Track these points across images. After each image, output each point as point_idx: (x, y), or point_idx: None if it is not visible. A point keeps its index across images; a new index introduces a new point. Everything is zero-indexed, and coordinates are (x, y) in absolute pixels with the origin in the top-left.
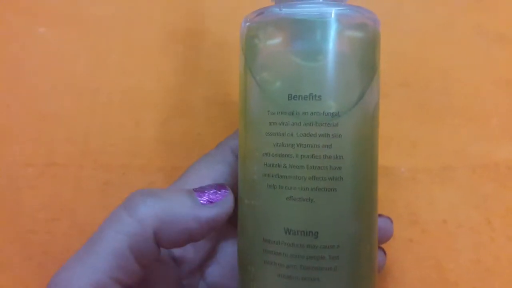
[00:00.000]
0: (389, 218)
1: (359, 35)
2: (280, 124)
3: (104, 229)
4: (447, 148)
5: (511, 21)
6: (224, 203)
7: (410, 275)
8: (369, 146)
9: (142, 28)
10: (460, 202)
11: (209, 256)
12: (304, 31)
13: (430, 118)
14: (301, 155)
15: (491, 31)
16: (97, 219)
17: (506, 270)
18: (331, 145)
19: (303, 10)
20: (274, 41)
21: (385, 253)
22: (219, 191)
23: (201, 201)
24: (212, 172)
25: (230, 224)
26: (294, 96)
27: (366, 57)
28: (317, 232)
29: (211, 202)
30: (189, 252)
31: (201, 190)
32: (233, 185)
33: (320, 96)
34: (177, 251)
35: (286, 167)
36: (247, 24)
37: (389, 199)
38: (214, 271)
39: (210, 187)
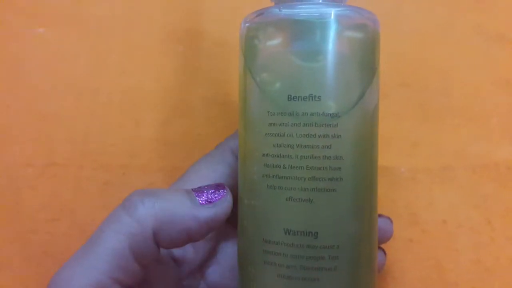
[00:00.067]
0: (389, 218)
1: (359, 35)
2: (279, 125)
3: (103, 229)
4: (447, 148)
5: (511, 21)
6: (222, 203)
7: (410, 275)
8: (368, 147)
9: (142, 28)
10: (460, 202)
11: (209, 256)
12: (304, 31)
13: (430, 118)
14: (300, 156)
15: (491, 31)
16: (97, 219)
17: (506, 270)
18: (330, 145)
19: (302, 11)
20: (274, 42)
21: (385, 253)
22: (218, 191)
23: (200, 201)
24: (212, 172)
25: (230, 225)
26: (293, 97)
27: (365, 58)
28: (317, 233)
29: (209, 202)
30: (189, 253)
31: (199, 190)
32: (233, 185)
33: (320, 96)
34: (177, 252)
35: (285, 167)
36: (247, 24)
37: (389, 199)
38: (214, 272)
39: (208, 187)
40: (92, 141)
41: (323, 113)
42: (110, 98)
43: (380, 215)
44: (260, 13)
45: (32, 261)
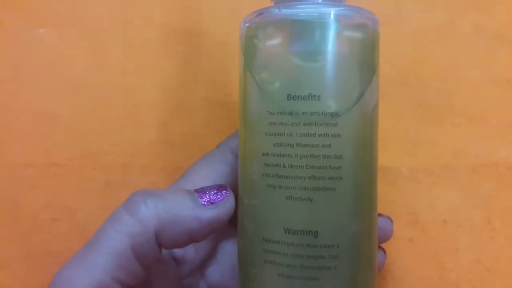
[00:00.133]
0: (389, 218)
1: (358, 35)
2: (279, 124)
3: (105, 229)
4: (447, 148)
5: (511, 21)
6: (225, 204)
7: (410, 274)
8: (368, 146)
9: (142, 28)
10: (460, 202)
11: (210, 256)
12: (304, 31)
13: (430, 118)
14: (300, 155)
15: (491, 31)
16: (97, 219)
17: (506, 270)
18: (330, 144)
19: (302, 11)
20: (274, 42)
21: (385, 252)
22: (220, 192)
23: (202, 202)
24: (212, 172)
25: (230, 224)
26: (293, 96)
27: (365, 57)
28: (317, 232)
29: (212, 203)
30: (189, 252)
31: (202, 191)
32: (233, 185)
33: (320, 96)
34: (177, 251)
35: (285, 167)
36: (247, 24)
37: (389, 199)
38: (214, 271)
39: (211, 188)
40: (92, 141)
41: (322, 112)
42: (110, 98)
43: (380, 215)
44: (260, 13)
45: (32, 261)
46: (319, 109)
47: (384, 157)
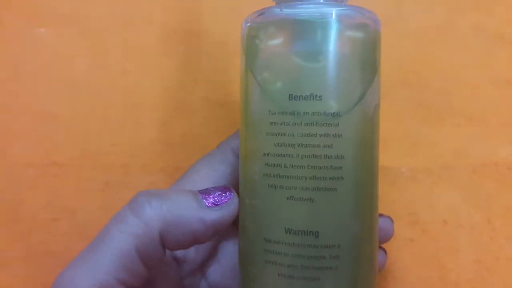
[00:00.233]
0: (389, 218)
1: (360, 35)
2: (280, 124)
3: (109, 230)
4: (447, 148)
5: (511, 21)
6: (229, 206)
7: (410, 274)
8: (369, 146)
9: (142, 28)
10: (460, 202)
11: (210, 255)
12: (305, 31)
13: (430, 118)
14: (301, 155)
15: (491, 31)
16: (97, 219)
17: (507, 270)
18: (331, 145)
19: (304, 11)
20: (275, 42)
21: (385, 252)
22: (225, 193)
23: (206, 204)
24: (213, 172)
25: (232, 224)
26: (295, 96)
27: (366, 57)
28: (318, 232)
29: (216, 204)
30: (190, 252)
31: (206, 192)
32: (234, 185)
33: (321, 96)
34: (178, 251)
35: (286, 167)
36: (248, 24)
37: (389, 199)
38: (215, 271)
39: (215, 189)
40: (92, 141)
41: (324, 112)
42: (110, 98)
43: (380, 215)
44: (261, 12)
45: (32, 261)
46: (320, 109)
47: (384, 157)
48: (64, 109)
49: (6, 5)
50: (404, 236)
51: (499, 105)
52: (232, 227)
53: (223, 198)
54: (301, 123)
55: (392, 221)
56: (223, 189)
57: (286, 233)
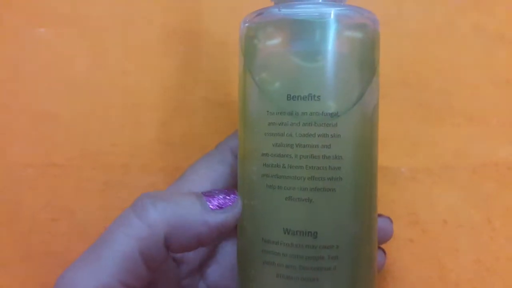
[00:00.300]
0: (389, 218)
1: (359, 35)
2: (279, 124)
3: (113, 232)
4: (447, 148)
5: (511, 21)
6: (233, 209)
7: (410, 275)
8: (368, 146)
9: (142, 28)
10: (460, 202)
11: (209, 256)
12: (303, 31)
13: (430, 118)
14: (300, 155)
15: (491, 31)
16: (97, 219)
17: (506, 270)
18: (330, 145)
19: (302, 11)
20: (273, 42)
21: (385, 253)
22: (229, 196)
23: (211, 206)
24: (211, 172)
25: None
26: (293, 97)
27: (365, 57)
28: (316, 232)
29: (220, 207)
30: (189, 253)
31: (210, 195)
32: (232, 185)
33: (319, 96)
34: None
35: (285, 167)
36: (246, 24)
37: (389, 199)
38: (214, 271)
39: (219, 192)
40: (92, 141)
41: (322, 112)
42: (110, 98)
43: (380, 215)
44: (260, 13)
45: (32, 261)
46: (318, 109)
47: (384, 157)
48: (64, 109)
49: (6, 5)
50: (404, 236)
51: (499, 105)
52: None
53: (227, 200)
54: (299, 123)
55: (391, 221)
56: (227, 191)
57: (285, 233)
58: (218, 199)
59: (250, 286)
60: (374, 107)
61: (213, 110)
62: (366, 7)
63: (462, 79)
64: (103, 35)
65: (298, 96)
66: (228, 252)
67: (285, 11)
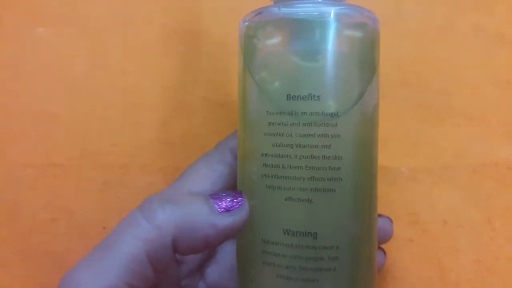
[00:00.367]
0: (388, 218)
1: (359, 34)
2: (279, 124)
3: (120, 233)
4: (447, 148)
5: (511, 21)
6: (241, 212)
7: (410, 275)
8: (368, 146)
9: (142, 28)
10: (460, 202)
11: (209, 256)
12: (303, 30)
13: (430, 118)
14: (300, 156)
15: (491, 31)
16: (96, 219)
17: (506, 270)
18: (330, 145)
19: (302, 10)
20: (273, 41)
21: (385, 253)
22: (236, 199)
23: (218, 209)
24: (211, 172)
25: None
26: (293, 96)
27: (365, 57)
28: (316, 233)
29: (228, 210)
30: None
31: (218, 198)
32: (232, 185)
33: (319, 96)
34: None
35: (285, 167)
36: (246, 23)
37: (389, 199)
38: (213, 271)
39: (227, 195)
40: (92, 141)
41: (322, 112)
42: (110, 98)
43: (380, 215)
44: (259, 12)
45: (32, 261)
46: (318, 109)
47: (384, 157)
48: (64, 109)
49: (6, 5)
50: (404, 236)
51: (499, 105)
52: None
53: (234, 203)
54: (299, 123)
55: (391, 221)
56: (235, 194)
57: (285, 234)
58: (226, 202)
59: (250, 287)
60: (374, 106)
61: (213, 110)
62: (366, 7)
63: (462, 79)
64: (103, 35)
65: (298, 96)
66: (227, 252)
67: (284, 10)
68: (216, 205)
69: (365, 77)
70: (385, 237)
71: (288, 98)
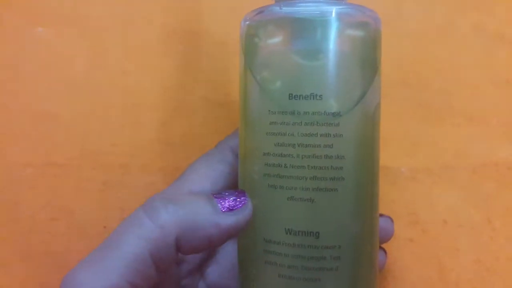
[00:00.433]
0: (389, 218)
1: (360, 33)
2: (280, 124)
3: (123, 232)
4: (447, 148)
5: (511, 21)
6: (244, 211)
7: (410, 274)
8: (370, 146)
9: (142, 28)
10: (460, 202)
11: (209, 256)
12: (305, 30)
13: (430, 118)
14: (302, 155)
15: (491, 31)
16: (96, 219)
17: (506, 270)
18: (332, 145)
19: (303, 9)
20: (274, 40)
21: (385, 252)
22: (239, 198)
23: (222, 209)
24: (211, 171)
25: None
26: (295, 96)
27: (367, 56)
28: (318, 233)
29: (231, 209)
30: None
31: (221, 197)
32: (232, 184)
33: (321, 95)
34: None
35: (286, 167)
36: (247, 23)
37: (389, 199)
38: (213, 271)
39: (230, 194)
40: (92, 141)
41: (324, 112)
42: (110, 98)
43: (381, 215)
44: (261, 11)
45: (32, 261)
46: (321, 109)
47: (384, 157)
48: (64, 109)
49: (6, 5)
50: (404, 236)
51: (499, 105)
52: None
53: (237, 203)
54: (301, 122)
55: (392, 221)
56: (238, 193)
57: (286, 233)
58: (229, 201)
59: (251, 286)
60: (376, 106)
61: (213, 110)
62: (366, 6)
63: (462, 79)
64: (103, 35)
65: (300, 95)
66: (228, 252)
67: (286, 9)
68: (219, 205)
69: (367, 77)
70: (386, 237)
71: (290, 98)
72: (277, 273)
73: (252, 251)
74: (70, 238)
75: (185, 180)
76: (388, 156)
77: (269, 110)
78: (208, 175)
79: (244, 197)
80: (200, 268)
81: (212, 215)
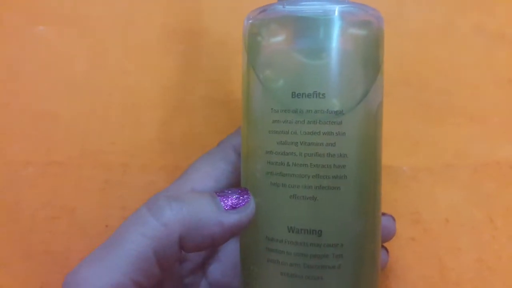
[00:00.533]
0: (391, 216)
1: (363, 32)
2: (283, 122)
3: (127, 230)
4: (448, 147)
5: (511, 21)
6: (246, 209)
7: (412, 273)
8: (373, 145)
9: (142, 28)
10: (462, 201)
11: (211, 254)
12: (308, 28)
13: (431, 117)
14: (304, 153)
15: (492, 30)
16: (97, 218)
17: (508, 268)
18: (335, 143)
19: (306, 8)
20: (277, 39)
21: (387, 251)
22: (242, 196)
23: (225, 207)
24: (213, 170)
25: None
26: (297, 94)
27: (370, 55)
28: (321, 231)
29: (234, 207)
30: None
31: (224, 195)
32: (234, 183)
33: (324, 94)
34: None
35: (289, 165)
36: (250, 21)
37: (391, 198)
38: (216, 269)
39: (233, 192)
40: (92, 140)
41: (327, 110)
42: (110, 98)
43: (383, 214)
44: (264, 9)
45: (33, 260)
46: (323, 107)
47: (386, 156)
48: (64, 108)
49: (6, 4)
50: (406, 235)
51: (499, 104)
52: None
53: (240, 201)
54: (304, 121)
55: (394, 219)
56: (241, 192)
57: (289, 231)
58: (232, 199)
59: (253, 284)
60: (378, 104)
61: (213, 109)
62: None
63: (462, 78)
64: (103, 35)
65: (302, 94)
66: (230, 250)
67: (289, 8)
68: (222, 203)
69: (369, 75)
70: (388, 235)
71: (293, 96)
72: (279, 271)
73: (255, 249)
74: (70, 237)
75: (187, 179)
76: (390, 155)
77: (272, 109)
78: (210, 173)
79: (247, 195)
80: (202, 266)
81: (215, 214)
